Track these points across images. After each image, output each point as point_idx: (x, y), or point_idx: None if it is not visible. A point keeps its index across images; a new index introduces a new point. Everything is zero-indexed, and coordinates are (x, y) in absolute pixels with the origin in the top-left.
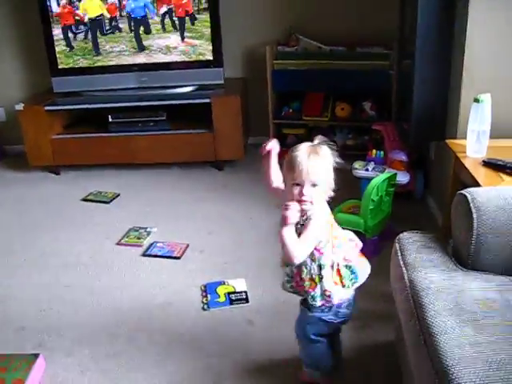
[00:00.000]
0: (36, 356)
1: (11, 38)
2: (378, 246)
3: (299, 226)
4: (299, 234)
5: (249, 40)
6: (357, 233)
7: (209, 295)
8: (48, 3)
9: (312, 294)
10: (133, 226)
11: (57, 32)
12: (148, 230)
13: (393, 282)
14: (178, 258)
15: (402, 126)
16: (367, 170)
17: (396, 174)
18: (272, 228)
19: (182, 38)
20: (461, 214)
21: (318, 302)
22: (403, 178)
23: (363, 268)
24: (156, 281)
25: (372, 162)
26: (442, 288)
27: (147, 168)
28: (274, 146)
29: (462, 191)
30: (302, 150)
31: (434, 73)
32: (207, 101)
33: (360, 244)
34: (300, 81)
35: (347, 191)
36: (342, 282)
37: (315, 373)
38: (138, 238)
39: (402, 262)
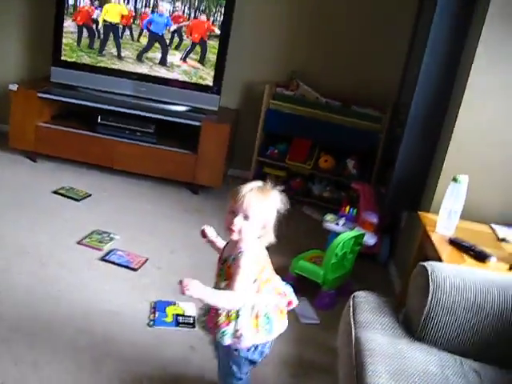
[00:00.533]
0: None
1: (21, 17)
2: (333, 300)
3: (231, 259)
4: (228, 268)
5: (250, 75)
6: (314, 284)
7: (157, 313)
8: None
9: (223, 330)
10: (97, 228)
11: (67, 24)
12: (111, 235)
13: (340, 336)
14: (135, 269)
15: (380, 189)
16: (337, 224)
17: (364, 234)
18: None
19: (185, 59)
20: (418, 284)
21: (226, 340)
22: (370, 239)
23: (280, 323)
24: (108, 288)
25: (343, 218)
26: (386, 351)
27: (124, 175)
28: (209, 232)
29: (423, 263)
30: (249, 185)
31: (420, 146)
32: (198, 124)
33: (294, 303)
34: (291, 125)
35: (314, 240)
36: (256, 326)
37: None
38: (100, 242)
39: (352, 319)
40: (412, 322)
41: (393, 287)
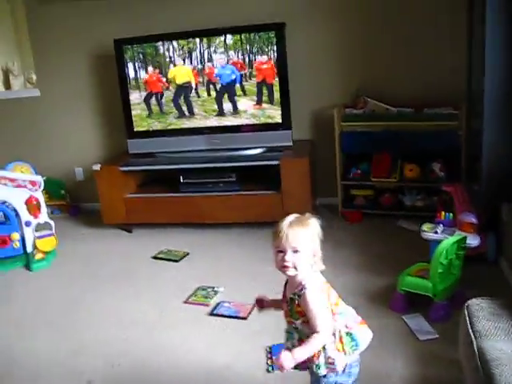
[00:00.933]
0: None
1: (92, 102)
2: (447, 310)
3: (296, 297)
4: (298, 306)
5: (316, 103)
6: (425, 297)
7: (274, 357)
8: (126, 70)
9: (316, 363)
10: (201, 285)
11: (133, 97)
12: (215, 289)
13: (461, 349)
14: (245, 318)
15: (471, 187)
16: (436, 232)
17: (466, 237)
18: (339, 291)
19: (260, 102)
20: None
21: (323, 371)
22: (473, 240)
23: (364, 335)
24: (221, 341)
25: (441, 225)
26: None
27: (215, 227)
28: (262, 297)
29: None
30: (286, 220)
31: (503, 134)
32: (276, 163)
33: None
34: (368, 142)
35: (415, 253)
36: (343, 349)
37: None
38: (206, 297)
39: (470, 330)
40: None
41: (509, 284)
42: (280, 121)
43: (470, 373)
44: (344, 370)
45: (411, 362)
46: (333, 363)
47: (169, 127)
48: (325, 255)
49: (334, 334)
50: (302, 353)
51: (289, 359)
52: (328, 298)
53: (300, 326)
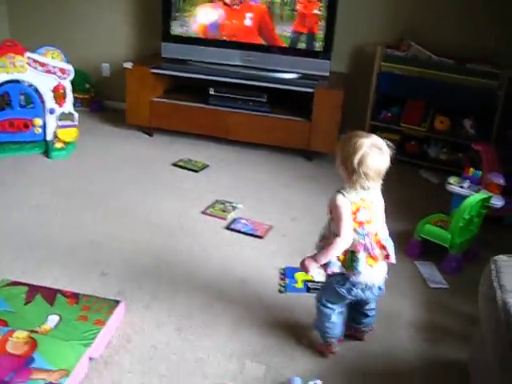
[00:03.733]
0: (117, 302)
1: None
2: (460, 264)
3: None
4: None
5: (358, 38)
6: (441, 247)
7: (287, 279)
8: None
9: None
10: (219, 198)
11: None
12: (233, 204)
13: (482, 301)
14: (261, 237)
15: (504, 149)
16: (462, 187)
17: (491, 196)
18: None
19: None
20: None
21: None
22: (498, 201)
23: (369, 268)
24: (237, 255)
25: (467, 180)
26: None
27: (238, 145)
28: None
29: None
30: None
31: None
32: (310, 90)
33: (392, 259)
34: (404, 87)
35: (433, 204)
36: (342, 260)
37: (320, 336)
38: (223, 211)
39: (496, 284)
40: None
41: None
42: (321, 49)
43: (491, 325)
44: (344, 282)
45: (419, 307)
46: (328, 263)
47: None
48: None
49: None
50: (322, 257)
51: (311, 263)
52: (354, 213)
53: (328, 221)
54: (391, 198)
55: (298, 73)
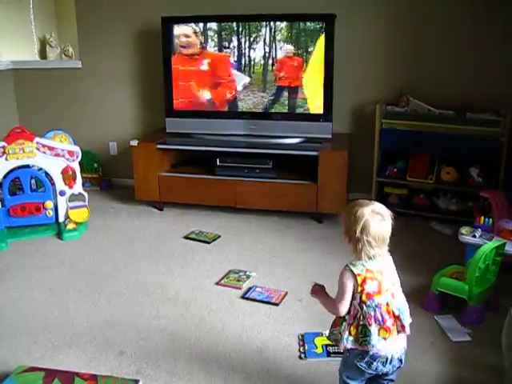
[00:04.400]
0: (136, 382)
1: (132, 77)
2: (480, 315)
3: None
4: None
5: (358, 97)
6: (460, 299)
7: (306, 345)
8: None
9: (333, 329)
10: (232, 268)
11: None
12: (247, 273)
13: (506, 351)
14: (277, 304)
15: (510, 195)
16: (474, 236)
17: (505, 243)
18: None
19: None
20: None
21: (333, 338)
22: None
23: (383, 342)
24: (253, 324)
25: (479, 229)
26: None
27: (248, 212)
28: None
29: None
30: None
31: None
32: (315, 153)
33: (406, 330)
34: (407, 141)
35: (448, 256)
36: (354, 335)
37: None
38: (238, 281)
39: None
40: None
41: None
42: (321, 112)
43: None
44: (363, 356)
45: (444, 363)
46: (341, 338)
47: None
48: None
49: (356, 317)
50: (322, 298)
51: (316, 289)
52: (361, 285)
53: None
54: (405, 252)
55: (300, 137)
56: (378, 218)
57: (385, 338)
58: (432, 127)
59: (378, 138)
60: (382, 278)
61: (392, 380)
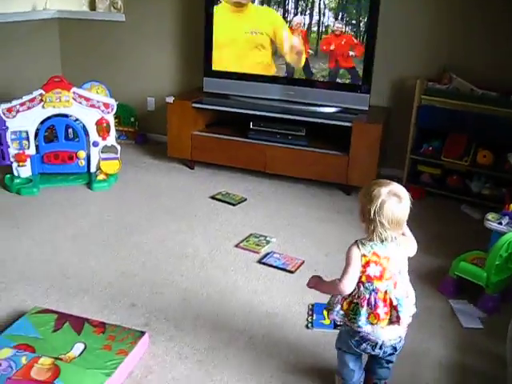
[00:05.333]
0: (142, 333)
1: (174, 35)
2: (496, 303)
3: None
4: None
5: (398, 71)
6: (478, 286)
7: (315, 315)
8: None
9: (332, 297)
10: (254, 232)
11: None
12: (267, 238)
13: (509, 343)
14: (292, 272)
15: None
16: (500, 223)
17: None
18: None
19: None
20: None
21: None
22: None
23: (371, 327)
24: (266, 289)
25: (507, 217)
26: None
27: (276, 178)
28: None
29: None
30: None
31: None
32: (348, 124)
33: (402, 322)
34: (446, 120)
35: (474, 241)
36: (345, 309)
37: (336, 377)
38: (257, 245)
39: None
40: None
41: None
42: (360, 83)
43: None
44: (354, 334)
45: (450, 347)
46: (332, 309)
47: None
48: None
49: (351, 294)
50: (322, 286)
51: (313, 281)
52: (363, 266)
53: None
54: (429, 232)
55: (337, 107)
56: (394, 200)
57: (372, 323)
58: (473, 107)
59: (416, 114)
60: (387, 264)
61: (391, 361)
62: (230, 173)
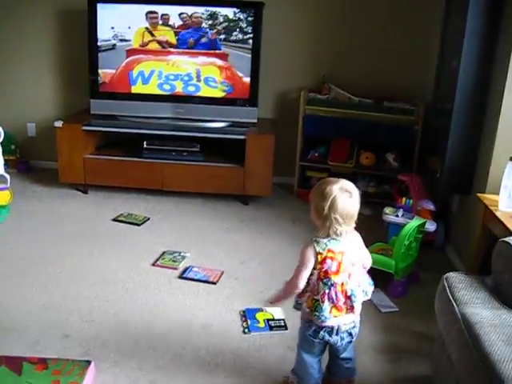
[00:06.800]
0: (88, 362)
1: (53, 55)
2: (405, 287)
3: None
4: None
5: (282, 84)
6: (384, 273)
7: (249, 320)
8: (96, 32)
9: (297, 299)
10: (166, 249)
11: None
12: (182, 254)
13: (440, 316)
14: (214, 283)
15: (428, 177)
16: (397, 216)
17: (425, 221)
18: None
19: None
20: (506, 258)
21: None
22: (431, 226)
23: (334, 318)
24: (194, 303)
25: (401, 209)
26: (493, 322)
27: (174, 195)
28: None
29: (504, 239)
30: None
31: (468, 129)
32: (242, 137)
33: (355, 311)
34: (329, 127)
35: (369, 234)
36: (310, 306)
37: (291, 377)
38: (174, 261)
39: (451, 298)
40: (507, 294)
41: (455, 269)
42: (247, 97)
43: (453, 336)
44: (311, 326)
45: (376, 332)
46: (299, 307)
47: (133, 91)
48: (284, 230)
49: (312, 291)
50: (281, 295)
51: (271, 299)
52: (320, 263)
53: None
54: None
55: (227, 121)
56: (346, 196)
57: (335, 316)
58: (352, 114)
59: (302, 123)
60: (342, 258)
61: (349, 359)
62: (125, 194)
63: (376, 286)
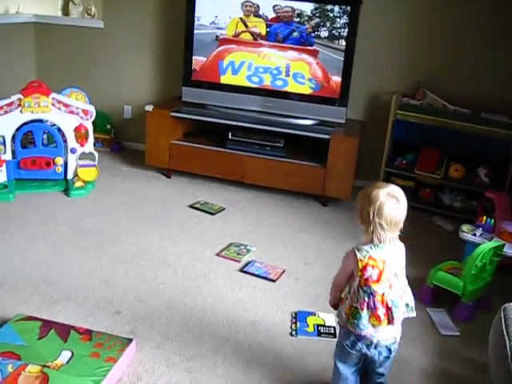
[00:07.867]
0: (130, 341)
1: (153, 43)
2: (472, 312)
3: None
4: None
5: (374, 86)
6: (454, 294)
7: (298, 323)
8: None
9: (340, 307)
10: (234, 241)
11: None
12: (248, 247)
13: (491, 349)
14: (274, 280)
15: None
16: (475, 234)
17: (504, 244)
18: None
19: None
20: None
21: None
22: (511, 250)
23: (372, 329)
24: (249, 298)
25: (480, 228)
26: None
27: (254, 189)
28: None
29: None
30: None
31: None
32: (327, 137)
33: (395, 323)
34: (419, 134)
35: (446, 252)
36: (347, 315)
37: None
38: (238, 254)
39: (505, 331)
40: None
41: None
42: (337, 96)
43: (500, 372)
44: (349, 335)
45: (430, 353)
46: (340, 315)
47: (225, 82)
48: (359, 236)
49: (353, 298)
50: (331, 294)
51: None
52: (360, 270)
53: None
54: (404, 244)
55: (314, 119)
56: (392, 202)
57: (374, 325)
58: (445, 123)
59: (391, 128)
60: (383, 267)
61: (382, 374)
62: (207, 182)
63: (440, 306)
